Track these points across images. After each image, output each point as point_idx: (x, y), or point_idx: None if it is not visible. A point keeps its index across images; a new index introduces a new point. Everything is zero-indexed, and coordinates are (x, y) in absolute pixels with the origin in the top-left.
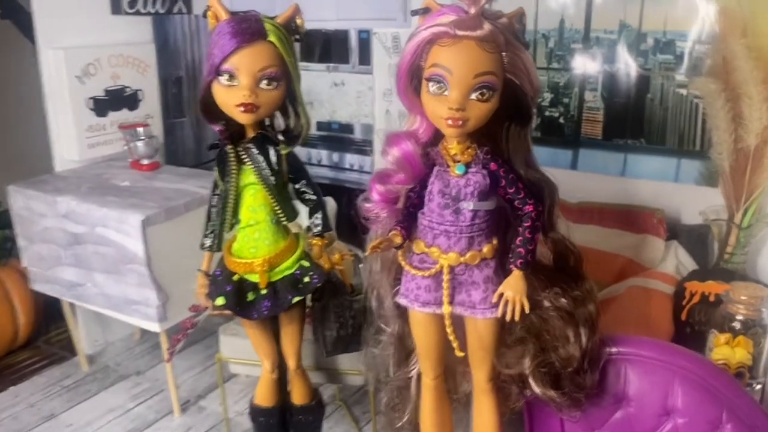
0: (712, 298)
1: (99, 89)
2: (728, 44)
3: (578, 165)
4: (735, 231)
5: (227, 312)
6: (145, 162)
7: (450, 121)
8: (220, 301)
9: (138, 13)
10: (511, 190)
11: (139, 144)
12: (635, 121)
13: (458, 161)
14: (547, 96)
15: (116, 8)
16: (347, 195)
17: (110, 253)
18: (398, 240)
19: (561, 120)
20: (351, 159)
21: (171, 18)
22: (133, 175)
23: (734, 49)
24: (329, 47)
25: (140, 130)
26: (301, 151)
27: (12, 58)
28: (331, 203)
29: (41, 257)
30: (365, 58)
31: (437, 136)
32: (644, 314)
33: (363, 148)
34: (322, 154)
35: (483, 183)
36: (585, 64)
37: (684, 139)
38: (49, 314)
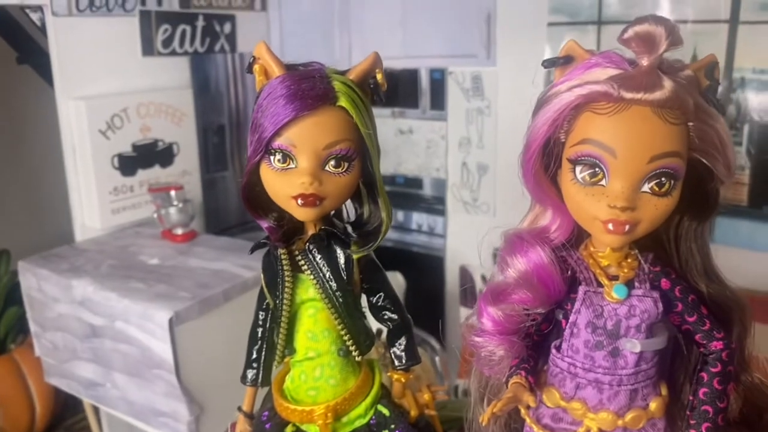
0: None
1: (126, 144)
2: None
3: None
4: None
5: None
6: (179, 232)
7: (611, 225)
8: None
9: (174, 53)
10: (692, 319)
11: (172, 211)
12: None
13: (614, 278)
14: None
15: (148, 48)
16: (415, 264)
17: (132, 353)
18: (531, 400)
19: None
20: (419, 219)
21: (212, 58)
22: (164, 249)
23: None
24: (395, 89)
25: (173, 193)
26: None
27: (32, 108)
28: (398, 280)
29: (56, 347)
30: (438, 101)
31: (578, 237)
32: None
33: (433, 206)
34: None
35: (654, 312)
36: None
37: None
38: (69, 398)
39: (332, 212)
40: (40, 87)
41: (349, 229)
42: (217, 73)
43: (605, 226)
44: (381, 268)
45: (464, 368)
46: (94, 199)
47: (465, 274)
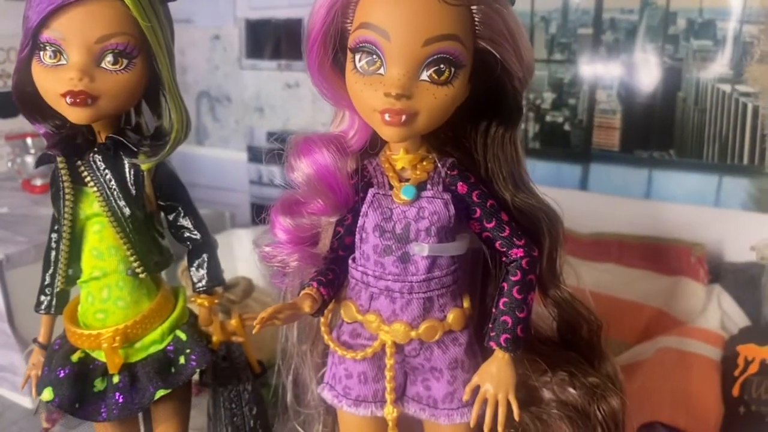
0: None
1: None
2: None
3: (589, 184)
4: None
5: None
6: (38, 183)
7: (387, 116)
8: (46, 395)
9: None
10: (490, 225)
11: (28, 160)
12: (663, 127)
13: (406, 180)
14: (549, 96)
15: None
16: None
17: None
18: (308, 306)
19: (566, 127)
20: None
21: None
22: (18, 200)
23: None
24: (280, 41)
25: (29, 141)
26: (249, 169)
27: None
28: None
29: None
30: None
31: (381, 143)
32: (682, 388)
33: None
34: (275, 172)
35: (444, 214)
36: (596, 55)
37: (727, 150)
38: None
39: (126, 123)
40: None
41: (146, 141)
42: None
43: (382, 117)
44: (181, 183)
45: None
46: None
47: None
